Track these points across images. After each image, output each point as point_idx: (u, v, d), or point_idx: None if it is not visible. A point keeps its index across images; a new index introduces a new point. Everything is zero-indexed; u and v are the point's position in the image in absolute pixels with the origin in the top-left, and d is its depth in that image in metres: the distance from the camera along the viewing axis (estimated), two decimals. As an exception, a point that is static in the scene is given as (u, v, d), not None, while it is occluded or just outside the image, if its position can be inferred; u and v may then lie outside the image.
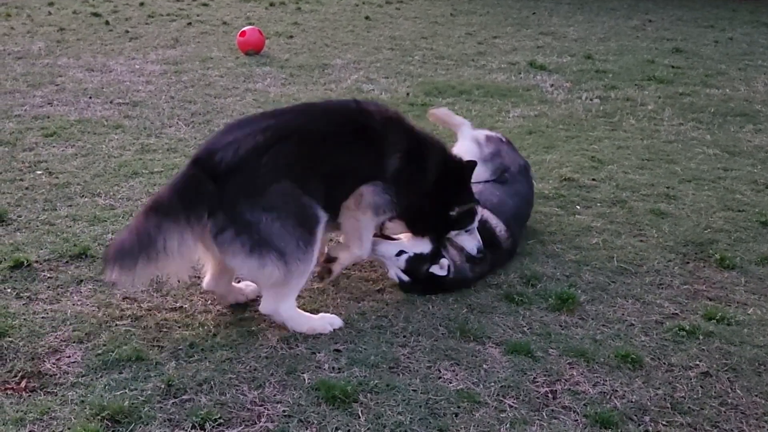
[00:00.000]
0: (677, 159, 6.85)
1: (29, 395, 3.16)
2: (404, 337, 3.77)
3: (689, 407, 3.36)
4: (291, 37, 12.34)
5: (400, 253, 4.18)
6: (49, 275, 4.13)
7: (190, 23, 13.12)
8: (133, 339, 3.58)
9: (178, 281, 3.79)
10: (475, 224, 4.33)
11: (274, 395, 3.25)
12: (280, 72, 9.59)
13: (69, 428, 2.96)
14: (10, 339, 3.52)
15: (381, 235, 4.25)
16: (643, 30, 15.20)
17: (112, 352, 3.46)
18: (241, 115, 7.00)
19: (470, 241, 4.31)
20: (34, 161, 5.84)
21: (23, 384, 3.22)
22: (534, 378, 3.49)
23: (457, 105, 8.35)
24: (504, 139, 5.30)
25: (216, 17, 13.96)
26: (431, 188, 4.12)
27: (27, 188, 5.29)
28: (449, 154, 4.37)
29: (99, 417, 3.01)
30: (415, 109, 7.83)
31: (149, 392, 3.19)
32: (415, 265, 4.16)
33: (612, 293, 4.34)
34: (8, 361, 3.38)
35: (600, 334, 3.89)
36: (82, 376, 3.29)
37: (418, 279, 4.18)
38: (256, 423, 3.07)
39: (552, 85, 9.68)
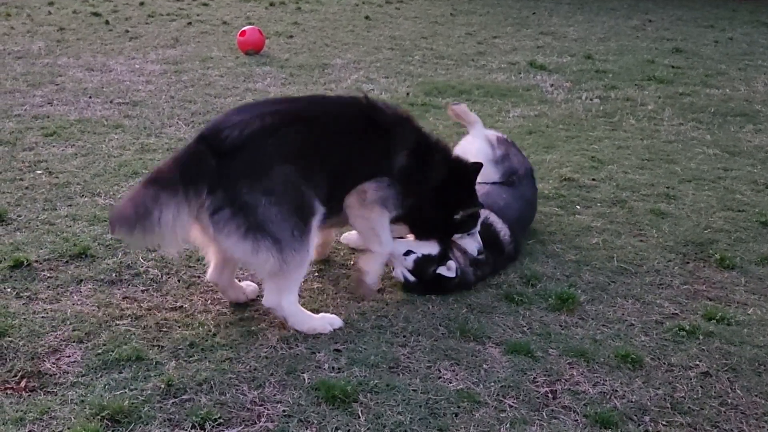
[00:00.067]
0: (677, 159, 6.85)
1: (29, 395, 3.16)
2: (404, 336, 3.77)
3: (689, 407, 3.36)
4: (291, 36, 12.35)
5: (408, 252, 4.17)
6: (48, 275, 4.13)
7: (190, 23, 13.12)
8: (133, 339, 3.58)
9: (175, 254, 3.72)
10: (478, 227, 4.33)
11: (274, 395, 3.25)
12: (280, 72, 9.59)
13: (69, 428, 2.96)
14: (10, 339, 3.52)
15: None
16: (643, 30, 15.20)
17: (112, 351, 3.46)
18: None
19: (471, 244, 4.31)
20: (34, 161, 5.83)
21: (23, 384, 3.22)
22: (534, 378, 3.49)
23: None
24: (510, 141, 5.31)
25: (216, 17, 13.96)
26: (436, 190, 4.11)
27: (27, 188, 5.29)
28: (455, 156, 4.36)
29: (99, 417, 3.01)
30: (415, 109, 7.82)
31: (149, 392, 3.19)
32: (423, 266, 4.15)
33: (612, 293, 4.34)
34: (8, 360, 3.38)
35: (600, 334, 3.89)
36: (82, 376, 3.29)
37: (424, 280, 4.17)
38: (256, 423, 3.07)
39: (552, 85, 9.68)
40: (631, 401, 3.37)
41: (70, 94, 7.92)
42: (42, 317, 3.72)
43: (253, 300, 4.01)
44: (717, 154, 7.08)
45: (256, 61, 10.11)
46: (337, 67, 10.09)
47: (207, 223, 3.51)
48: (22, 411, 3.04)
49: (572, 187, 5.94)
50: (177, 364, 3.41)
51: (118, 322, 3.73)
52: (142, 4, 14.98)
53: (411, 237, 4.29)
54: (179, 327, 3.72)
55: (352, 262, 4.52)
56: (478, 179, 4.69)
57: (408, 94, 8.78)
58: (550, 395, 3.38)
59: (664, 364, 3.68)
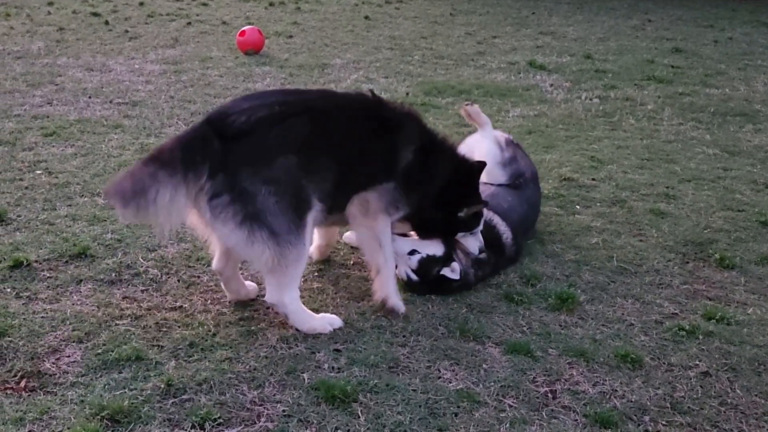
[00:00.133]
0: (677, 159, 6.85)
1: (29, 395, 3.16)
2: (404, 336, 3.77)
3: (689, 407, 3.36)
4: (290, 36, 12.34)
5: (413, 252, 4.17)
6: (48, 275, 4.13)
7: (189, 23, 13.12)
8: (133, 338, 3.58)
9: (166, 235, 3.65)
10: (480, 226, 4.33)
11: (274, 395, 3.25)
12: (280, 72, 9.58)
13: (68, 428, 2.96)
14: (10, 339, 3.52)
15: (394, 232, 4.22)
16: (643, 30, 15.21)
17: (112, 351, 3.46)
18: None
19: (473, 242, 4.31)
20: (33, 161, 5.83)
21: (23, 384, 3.22)
22: (534, 378, 3.49)
23: (456, 105, 8.33)
24: (516, 143, 5.30)
25: (215, 17, 13.96)
26: (441, 188, 4.10)
27: (26, 188, 5.29)
28: (460, 154, 4.35)
29: (98, 417, 3.00)
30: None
31: (149, 392, 3.19)
32: (427, 266, 4.15)
33: (612, 293, 4.34)
34: (8, 360, 3.37)
35: (600, 334, 3.89)
36: (82, 376, 3.29)
37: (427, 280, 4.17)
38: (255, 423, 3.07)
39: (551, 85, 9.68)
40: (631, 401, 3.37)
41: (70, 94, 7.92)
42: (42, 317, 3.72)
43: (253, 300, 4.01)
44: (717, 153, 7.08)
45: (256, 61, 10.11)
46: (337, 67, 10.09)
47: (204, 208, 3.46)
48: (21, 411, 3.04)
49: (572, 187, 5.94)
50: (177, 363, 3.41)
51: (117, 322, 3.73)
52: (141, 4, 14.98)
53: (414, 234, 4.29)
54: (179, 327, 3.72)
55: (351, 262, 4.52)
56: (486, 180, 4.71)
57: (407, 93, 8.78)
58: (549, 395, 3.39)
59: (664, 363, 3.68)
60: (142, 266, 4.28)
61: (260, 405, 3.18)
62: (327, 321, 3.78)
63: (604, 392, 3.42)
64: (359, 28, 13.65)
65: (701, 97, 9.32)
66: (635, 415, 3.28)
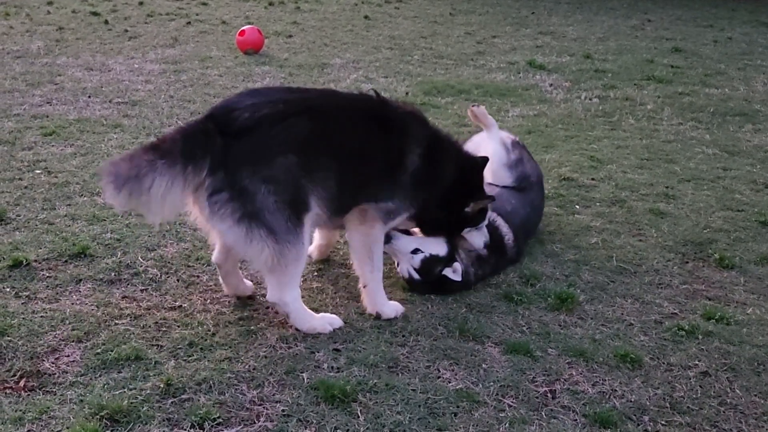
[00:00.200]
0: (676, 159, 6.85)
1: (28, 394, 3.16)
2: (403, 336, 3.77)
3: (688, 407, 3.36)
4: (290, 36, 12.34)
5: (416, 251, 4.16)
6: (48, 274, 4.13)
7: (189, 22, 13.11)
8: (132, 338, 3.58)
9: (156, 225, 3.60)
10: (486, 221, 4.32)
11: (273, 395, 3.25)
12: (279, 71, 9.58)
13: (68, 427, 2.95)
14: (9, 338, 3.52)
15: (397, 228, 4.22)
16: (642, 29, 15.21)
17: (111, 351, 3.45)
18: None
19: (478, 237, 4.31)
20: (33, 160, 5.83)
21: (22, 383, 3.22)
22: (533, 377, 3.49)
23: (456, 104, 8.35)
24: (522, 144, 5.29)
25: (215, 16, 13.95)
26: (448, 187, 4.10)
27: (26, 187, 5.29)
28: (464, 151, 4.35)
29: (98, 416, 3.00)
30: (414, 108, 7.81)
31: (148, 391, 3.19)
32: (430, 265, 4.15)
33: (611, 293, 4.34)
34: (7, 360, 3.37)
35: (599, 334, 3.89)
36: (81, 376, 3.29)
37: (429, 280, 4.17)
38: (255, 422, 3.07)
39: (551, 85, 9.69)
40: (631, 401, 3.37)
41: (69, 94, 7.91)
42: (41, 317, 3.72)
43: (253, 299, 4.01)
44: (716, 153, 7.08)
45: (255, 61, 10.11)
46: (336, 67, 10.09)
47: (204, 203, 3.47)
48: (21, 410, 3.04)
49: (571, 187, 5.94)
50: (176, 363, 3.41)
51: (117, 321, 3.72)
52: (141, 3, 14.97)
53: (417, 231, 4.28)
54: (178, 326, 3.72)
55: (351, 262, 4.51)
56: (491, 181, 4.71)
57: (407, 93, 8.78)
58: (549, 395, 3.38)
59: (663, 363, 3.68)
60: (141, 266, 4.28)
61: (259, 405, 3.18)
62: (327, 321, 3.78)
63: (604, 392, 3.42)
64: (359, 27, 13.65)
65: (701, 97, 9.32)
66: (635, 415, 3.28)
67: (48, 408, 3.06)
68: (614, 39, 13.78)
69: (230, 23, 13.18)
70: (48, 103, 7.54)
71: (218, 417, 3.07)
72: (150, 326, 3.70)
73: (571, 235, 5.08)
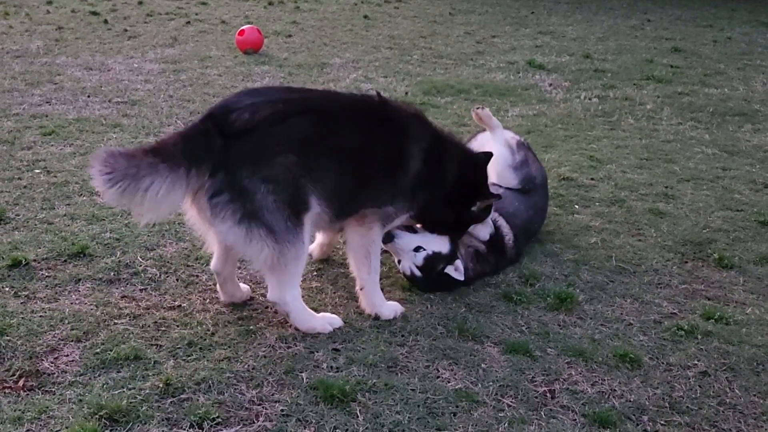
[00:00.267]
0: (676, 158, 6.85)
1: (27, 394, 3.16)
2: (402, 336, 3.77)
3: (687, 407, 3.36)
4: (290, 36, 12.34)
5: (419, 248, 4.16)
6: (47, 274, 4.12)
7: (188, 22, 13.11)
8: (132, 338, 3.58)
9: (143, 224, 3.57)
10: (491, 215, 4.32)
11: (273, 394, 3.24)
12: (279, 71, 9.58)
13: (67, 427, 2.95)
14: (8, 338, 3.52)
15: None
16: (642, 29, 15.21)
17: (110, 350, 3.45)
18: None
19: (484, 229, 4.32)
20: (32, 160, 5.83)
21: (21, 383, 3.22)
22: (532, 377, 3.49)
23: (455, 104, 8.35)
24: (527, 144, 5.26)
25: (215, 16, 13.95)
26: (452, 188, 4.08)
27: (25, 187, 5.29)
28: (466, 150, 4.34)
29: (97, 416, 3.00)
30: (413, 108, 7.81)
31: (147, 391, 3.19)
32: (433, 263, 4.15)
33: (610, 292, 4.34)
34: (6, 359, 3.37)
35: (598, 334, 3.89)
36: (80, 375, 3.29)
37: (431, 277, 4.17)
38: (254, 422, 3.07)
39: (551, 85, 9.69)
40: (630, 401, 3.37)
41: (69, 93, 7.91)
42: (40, 316, 3.71)
43: (251, 299, 4.01)
44: (715, 153, 7.08)
45: (255, 61, 10.10)
46: (336, 66, 10.08)
47: (204, 205, 3.46)
48: (20, 410, 3.04)
49: (571, 187, 5.94)
50: (175, 363, 3.41)
51: (116, 321, 3.72)
52: (140, 3, 14.97)
53: (419, 226, 4.27)
54: (177, 326, 3.72)
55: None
56: (497, 182, 4.71)
57: (407, 93, 8.78)
58: (548, 395, 3.38)
59: (663, 363, 3.68)
60: (140, 265, 4.28)
61: (259, 404, 3.18)
62: (327, 321, 3.78)
63: (603, 392, 3.42)
64: (358, 27, 13.65)
65: (700, 97, 9.32)
66: (634, 415, 3.28)
67: (47, 408, 3.06)
68: (614, 39, 13.78)
69: (230, 23, 13.18)
70: (47, 102, 7.54)
71: (217, 417, 3.07)
72: (149, 326, 3.70)
73: (571, 234, 5.08)
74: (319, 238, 4.43)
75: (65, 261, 4.27)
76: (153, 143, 3.53)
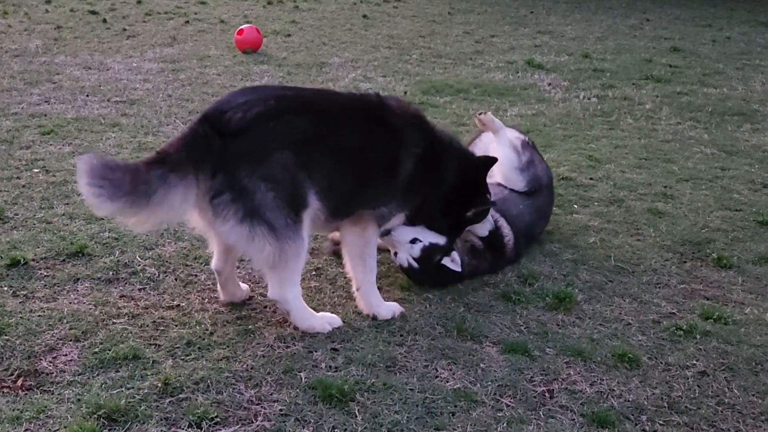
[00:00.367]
0: (675, 158, 6.85)
1: (25, 394, 3.15)
2: (401, 336, 3.77)
3: (686, 406, 3.36)
4: (288, 35, 12.33)
5: (415, 240, 4.16)
6: (45, 273, 4.12)
7: (187, 21, 13.10)
8: (130, 337, 3.58)
9: (145, 233, 3.56)
10: (488, 216, 4.32)
11: (271, 394, 3.24)
12: (278, 70, 9.57)
13: (65, 427, 2.95)
14: (7, 337, 3.52)
15: None
16: (641, 29, 15.21)
17: (109, 350, 3.45)
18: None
19: (482, 227, 4.32)
20: (30, 159, 5.82)
21: (19, 382, 3.22)
22: (531, 377, 3.49)
23: (454, 104, 8.35)
24: (531, 143, 5.23)
25: (213, 15, 13.94)
26: (448, 190, 4.07)
27: (24, 186, 5.28)
28: (466, 152, 4.33)
29: (95, 415, 3.00)
30: (412, 107, 7.80)
31: (146, 391, 3.19)
32: (429, 254, 4.14)
33: (609, 292, 4.34)
34: (4, 359, 3.37)
35: (597, 334, 3.89)
36: (79, 375, 3.28)
37: (427, 269, 4.17)
38: (252, 422, 3.07)
39: (549, 84, 9.69)
40: (628, 400, 3.37)
41: (68, 93, 7.90)
42: (39, 316, 3.71)
43: (250, 299, 4.01)
44: (714, 153, 7.09)
45: (254, 60, 10.10)
46: (335, 66, 10.08)
47: (207, 207, 3.47)
48: (18, 410, 3.04)
49: (570, 186, 5.94)
50: (174, 362, 3.41)
51: (114, 320, 3.72)
52: (139, 2, 14.96)
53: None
54: (176, 326, 3.71)
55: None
56: (503, 182, 4.70)
57: (406, 92, 8.77)
58: (547, 394, 3.38)
59: (661, 363, 3.68)
60: (139, 265, 4.28)
61: (257, 404, 3.18)
62: (327, 320, 3.78)
63: (602, 392, 3.42)
64: (357, 26, 13.64)
65: (699, 97, 9.32)
66: (632, 415, 3.28)
67: (45, 407, 3.06)
68: (613, 38, 13.78)
69: (228, 22, 13.17)
70: (46, 101, 7.54)
71: (216, 416, 3.06)
72: (148, 325, 3.70)
73: (570, 234, 5.08)
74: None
75: (64, 260, 4.27)
76: (154, 155, 3.49)
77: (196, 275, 4.22)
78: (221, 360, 3.45)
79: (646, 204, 5.67)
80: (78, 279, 4.09)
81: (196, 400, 3.16)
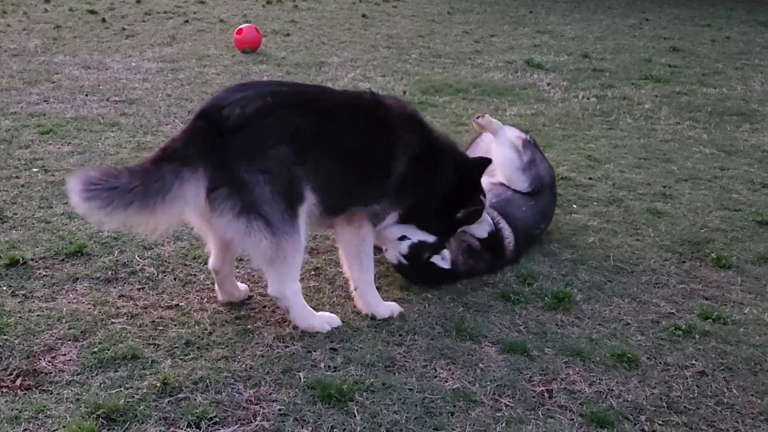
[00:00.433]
0: (674, 158, 6.85)
1: (24, 393, 3.15)
2: (400, 335, 3.76)
3: (685, 406, 3.36)
4: (288, 34, 12.33)
5: (403, 237, 4.15)
6: (44, 273, 4.12)
7: (186, 21, 13.10)
8: (129, 337, 3.57)
9: (149, 236, 3.56)
10: (483, 216, 4.31)
11: (270, 394, 3.24)
12: (277, 70, 9.57)
13: (64, 426, 2.95)
14: (6, 337, 3.51)
15: None
16: (640, 29, 15.21)
17: (108, 350, 3.45)
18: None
19: (480, 228, 4.32)
20: (30, 159, 5.82)
21: (18, 382, 3.21)
22: (530, 377, 3.49)
23: (454, 103, 8.35)
24: (532, 141, 5.21)
25: (213, 15, 13.94)
26: (440, 191, 4.07)
27: (23, 186, 5.28)
28: (460, 154, 4.33)
29: (94, 415, 3.00)
30: (412, 107, 7.80)
31: (145, 390, 3.18)
32: (417, 251, 4.15)
33: (608, 292, 4.34)
34: (3, 359, 3.37)
35: (596, 333, 3.89)
36: (78, 375, 3.28)
37: (417, 266, 4.17)
38: (251, 422, 3.07)
39: (549, 84, 9.69)
40: (627, 400, 3.37)
41: (67, 92, 7.90)
42: (37, 315, 3.71)
43: (249, 298, 4.01)
44: (713, 153, 7.09)
45: (253, 60, 10.10)
46: (334, 65, 10.08)
47: (204, 201, 3.46)
48: (17, 409, 3.03)
49: (569, 186, 5.94)
50: (173, 362, 3.41)
51: (113, 320, 3.72)
52: (138, 1, 14.96)
53: None
54: (175, 325, 3.71)
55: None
56: (506, 182, 4.69)
57: (405, 92, 8.77)
58: (546, 394, 3.38)
59: (660, 363, 3.68)
60: (138, 264, 4.28)
61: (256, 404, 3.17)
62: (326, 320, 3.77)
63: (601, 392, 3.42)
64: (356, 26, 13.64)
65: (698, 97, 9.32)
66: (631, 415, 3.28)
67: (44, 407, 3.06)
68: (612, 38, 13.78)
69: (228, 22, 13.17)
70: (45, 101, 7.53)
71: (215, 416, 3.06)
72: (147, 325, 3.69)
73: (569, 234, 5.08)
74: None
75: (63, 260, 4.27)
76: (158, 152, 3.48)
77: (195, 275, 4.22)
78: (220, 360, 3.45)
79: (645, 204, 5.67)
80: (77, 278, 4.09)
81: (195, 399, 3.16)
